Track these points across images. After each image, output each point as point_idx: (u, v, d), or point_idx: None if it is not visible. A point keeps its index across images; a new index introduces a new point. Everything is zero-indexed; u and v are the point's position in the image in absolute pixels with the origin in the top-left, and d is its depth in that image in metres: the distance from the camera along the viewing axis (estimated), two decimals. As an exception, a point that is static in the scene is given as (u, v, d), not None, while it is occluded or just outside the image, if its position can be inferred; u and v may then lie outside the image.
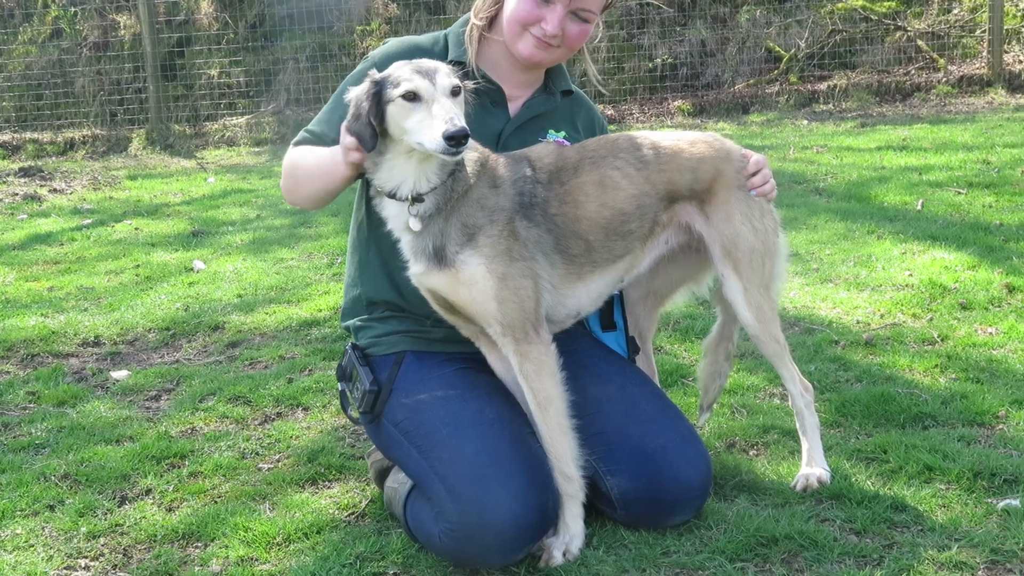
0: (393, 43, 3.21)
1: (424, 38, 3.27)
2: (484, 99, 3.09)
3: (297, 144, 3.17)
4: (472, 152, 2.88)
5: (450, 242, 2.83)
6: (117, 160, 11.88)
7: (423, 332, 3.14)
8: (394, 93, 2.70)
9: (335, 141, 3.02)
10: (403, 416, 3.02)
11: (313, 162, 3.05)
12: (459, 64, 3.07)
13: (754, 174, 3.17)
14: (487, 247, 2.83)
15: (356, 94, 2.79)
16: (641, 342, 3.47)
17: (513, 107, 3.24)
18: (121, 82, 13.19)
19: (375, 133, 2.74)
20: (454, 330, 3.08)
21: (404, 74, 2.71)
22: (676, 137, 3.16)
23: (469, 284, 2.84)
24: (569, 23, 3.09)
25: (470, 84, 2.89)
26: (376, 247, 3.17)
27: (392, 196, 2.85)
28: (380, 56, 3.14)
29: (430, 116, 2.64)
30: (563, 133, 3.25)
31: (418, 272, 2.90)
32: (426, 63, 2.76)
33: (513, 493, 2.77)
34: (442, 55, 3.14)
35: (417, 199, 2.81)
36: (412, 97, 2.68)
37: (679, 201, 3.11)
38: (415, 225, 2.83)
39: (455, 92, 2.72)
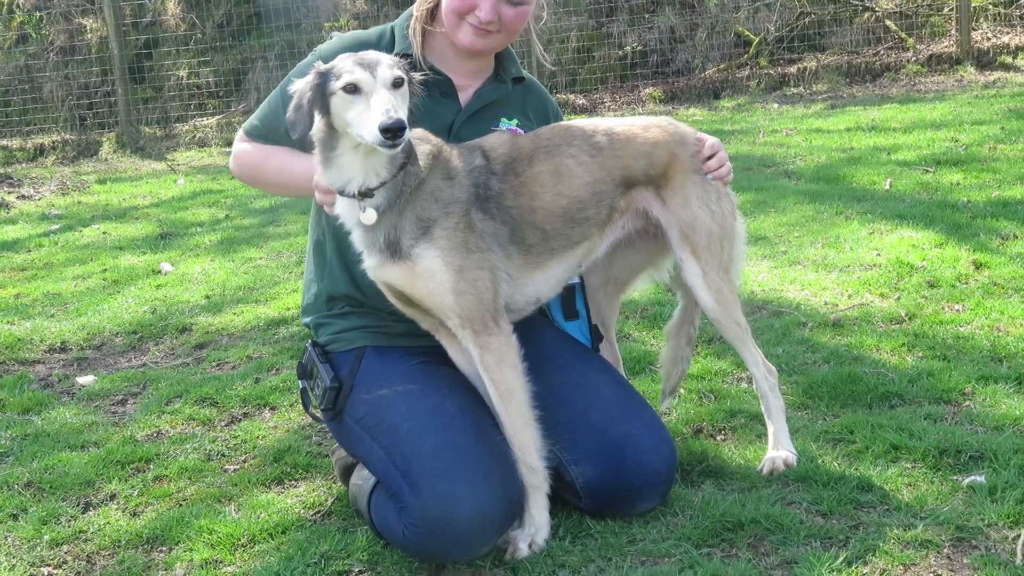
0: (339, 37, 3.18)
1: (370, 32, 3.24)
2: (434, 90, 3.06)
3: (249, 134, 3.23)
4: (425, 144, 2.86)
5: (404, 235, 2.80)
6: (87, 164, 11.79)
7: (383, 327, 3.12)
8: (336, 85, 2.67)
9: (284, 135, 2.99)
10: (365, 412, 3.00)
11: (287, 176, 3.14)
12: (406, 57, 3.04)
13: (710, 157, 3.15)
14: (443, 239, 2.80)
15: (300, 86, 2.76)
16: (604, 330, 3.46)
17: (464, 97, 3.21)
18: (89, 86, 13.09)
19: (310, 124, 2.72)
20: (414, 324, 3.05)
21: (346, 66, 2.68)
22: (630, 123, 3.14)
23: (426, 277, 2.81)
24: (504, 7, 3.06)
25: (418, 76, 2.85)
26: (334, 242, 3.14)
27: (342, 193, 2.81)
28: (326, 50, 3.10)
29: (368, 108, 2.61)
30: (515, 121, 3.23)
31: (372, 265, 2.87)
32: (369, 55, 2.72)
33: (476, 486, 2.74)
34: (388, 48, 3.11)
35: (366, 194, 2.78)
36: (352, 89, 2.65)
37: (636, 187, 3.10)
38: (369, 219, 2.80)
39: (397, 84, 2.68)
